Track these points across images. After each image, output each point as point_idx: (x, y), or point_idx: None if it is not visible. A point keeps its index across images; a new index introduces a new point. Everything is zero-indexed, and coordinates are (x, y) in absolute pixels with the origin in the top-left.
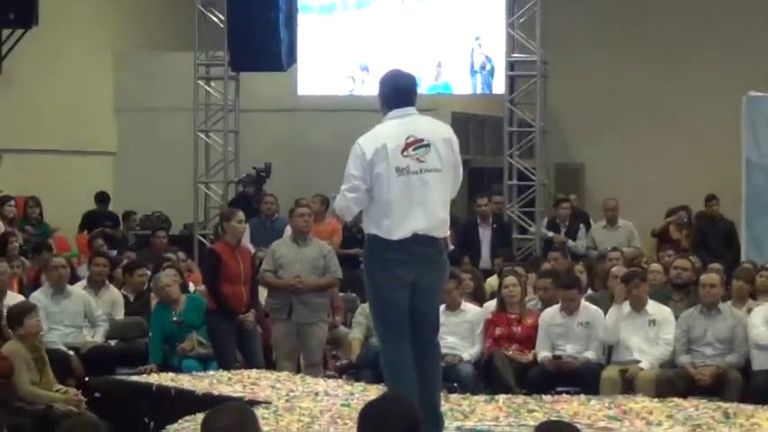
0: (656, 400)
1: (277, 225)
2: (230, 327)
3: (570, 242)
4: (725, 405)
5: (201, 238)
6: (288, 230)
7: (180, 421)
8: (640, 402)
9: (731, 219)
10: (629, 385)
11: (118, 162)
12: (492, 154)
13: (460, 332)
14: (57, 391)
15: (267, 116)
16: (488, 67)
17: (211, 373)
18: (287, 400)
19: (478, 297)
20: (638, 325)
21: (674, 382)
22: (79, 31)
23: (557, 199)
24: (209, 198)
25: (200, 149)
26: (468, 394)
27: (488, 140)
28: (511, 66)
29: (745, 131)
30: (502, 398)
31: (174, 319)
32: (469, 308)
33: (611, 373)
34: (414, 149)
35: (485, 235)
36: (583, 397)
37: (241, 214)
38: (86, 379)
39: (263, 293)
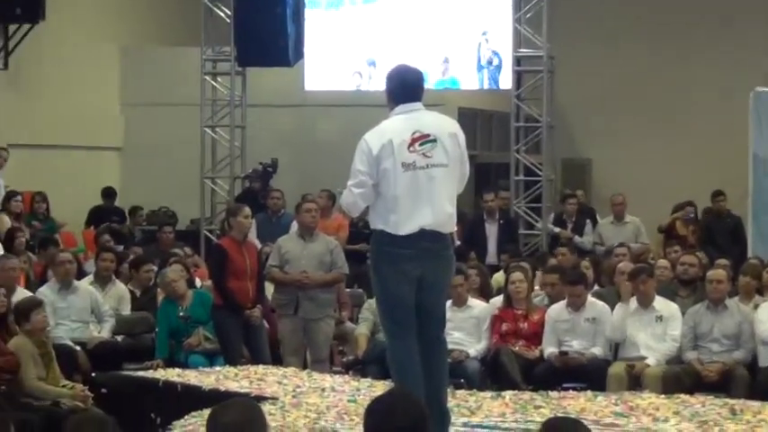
0: (662, 396)
1: (283, 220)
2: (237, 322)
3: (577, 238)
4: (731, 401)
5: (208, 234)
6: (294, 226)
7: (186, 417)
8: (647, 399)
9: (738, 214)
10: (635, 381)
11: (124, 157)
12: (499, 149)
13: (467, 328)
14: (63, 386)
15: (274, 111)
16: (495, 62)
17: (218, 368)
18: (293, 396)
19: (485, 293)
20: (645, 321)
21: (681, 379)
22: (86, 27)
23: (563, 195)
24: (215, 193)
25: (207, 145)
26: (474, 390)
27: (495, 136)
28: (518, 61)
29: (752, 127)
30: (508, 394)
31: (181, 314)
32: (476, 304)
33: (617, 369)
34: (420, 145)
35: (491, 230)
36: (589, 393)
37: (247, 210)
38: (93, 374)
39: (269, 289)
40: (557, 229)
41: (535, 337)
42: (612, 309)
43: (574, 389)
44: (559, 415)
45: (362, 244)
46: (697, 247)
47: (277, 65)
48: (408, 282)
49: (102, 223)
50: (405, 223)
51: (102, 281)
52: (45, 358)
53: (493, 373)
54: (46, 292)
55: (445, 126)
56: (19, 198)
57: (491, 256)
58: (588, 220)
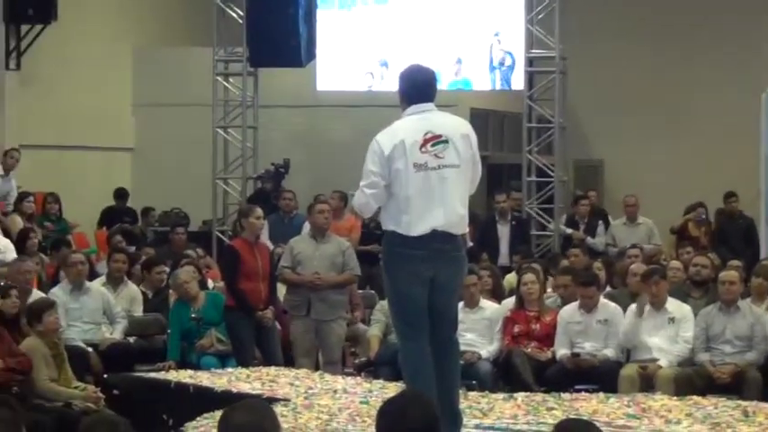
0: (675, 398)
1: (295, 221)
2: (249, 324)
3: (589, 239)
4: (744, 403)
5: (220, 235)
6: (306, 227)
7: (198, 418)
8: (659, 400)
9: (750, 216)
10: (647, 383)
11: (136, 158)
12: (511, 150)
13: (479, 329)
14: (75, 387)
15: (286, 112)
16: (508, 62)
17: (230, 370)
18: (305, 398)
19: (497, 294)
20: (657, 323)
21: (693, 380)
22: (98, 27)
23: (576, 196)
24: (227, 194)
25: (219, 145)
26: (486, 392)
27: (507, 137)
28: (530, 62)
29: (764, 128)
30: (520, 396)
31: (193, 315)
32: (488, 305)
33: (629, 371)
34: (432, 145)
35: (503, 232)
36: (602, 395)
37: (259, 211)
38: (105, 376)
39: (281, 290)
40: (569, 231)
41: (547, 339)
42: (625, 310)
43: (586, 390)
44: (572, 417)
45: (374, 245)
46: (709, 248)
47: (289, 65)
48: (420, 283)
49: (114, 224)
50: (417, 224)
51: (114, 282)
52: (57, 359)
53: (505, 375)
54: (58, 293)
55: (457, 127)
56: (31, 199)
57: (503, 258)
58: (600, 222)
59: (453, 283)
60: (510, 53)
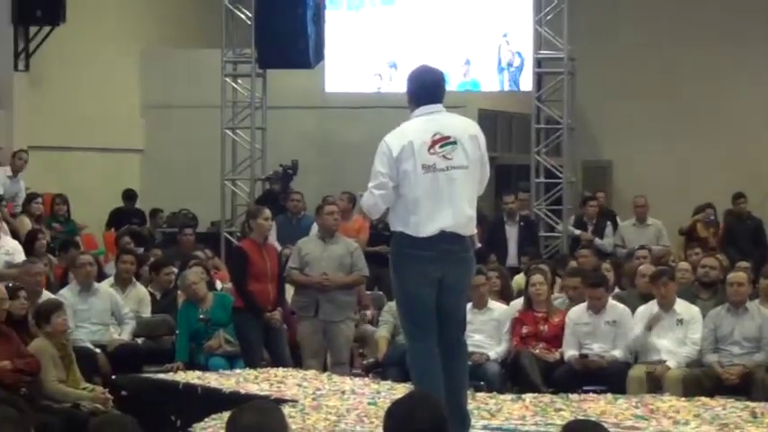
0: (683, 399)
1: (304, 222)
2: (257, 325)
3: (597, 240)
4: (752, 404)
5: (228, 236)
6: (314, 228)
7: (206, 420)
8: (667, 401)
9: (759, 217)
10: (656, 384)
11: (145, 159)
12: (519, 151)
13: (487, 330)
14: (83, 389)
15: (294, 113)
16: (516, 63)
17: (238, 371)
18: (313, 399)
19: (505, 295)
20: (666, 325)
21: (702, 382)
22: (107, 29)
23: (584, 197)
24: (236, 195)
25: (228, 147)
26: (494, 393)
27: (515, 137)
28: (538, 63)
29: None
30: (529, 397)
31: (201, 316)
32: (496, 306)
33: (638, 372)
34: (440, 146)
35: (511, 233)
36: (610, 396)
37: (268, 212)
38: (113, 377)
39: (289, 291)
40: (577, 232)
41: (555, 340)
42: (633, 311)
43: (594, 391)
44: (580, 418)
45: (383, 246)
46: (718, 249)
47: (297, 67)
48: (429, 284)
49: (122, 225)
50: (425, 225)
51: (122, 283)
52: (65, 361)
53: (513, 376)
54: (66, 294)
55: (466, 128)
56: (39, 200)
57: (511, 259)
58: (609, 223)
59: (461, 284)
60: (518, 54)
